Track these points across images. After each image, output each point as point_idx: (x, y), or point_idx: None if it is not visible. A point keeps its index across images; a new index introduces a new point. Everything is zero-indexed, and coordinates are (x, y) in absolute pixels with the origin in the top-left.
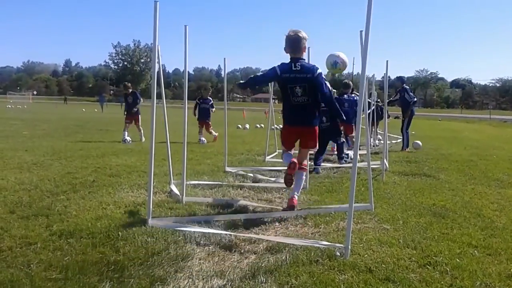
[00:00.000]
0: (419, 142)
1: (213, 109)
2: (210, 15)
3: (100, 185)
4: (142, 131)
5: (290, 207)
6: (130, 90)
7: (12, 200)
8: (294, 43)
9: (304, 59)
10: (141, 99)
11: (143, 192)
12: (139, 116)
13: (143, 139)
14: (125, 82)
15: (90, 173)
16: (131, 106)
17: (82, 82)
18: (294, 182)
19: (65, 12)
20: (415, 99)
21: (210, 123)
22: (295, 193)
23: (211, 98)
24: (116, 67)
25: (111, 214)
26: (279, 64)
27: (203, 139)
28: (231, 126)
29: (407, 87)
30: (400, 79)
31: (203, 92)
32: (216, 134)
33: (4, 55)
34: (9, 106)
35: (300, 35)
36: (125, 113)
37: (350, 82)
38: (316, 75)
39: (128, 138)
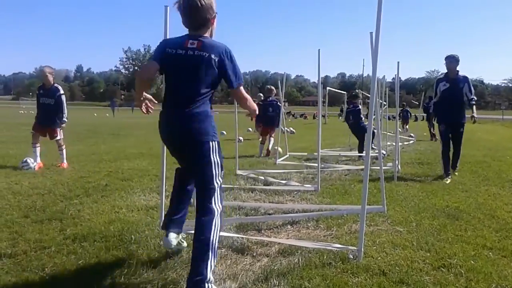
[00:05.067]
0: None
1: (64, 118)
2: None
3: (112, 189)
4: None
5: None
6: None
7: (26, 205)
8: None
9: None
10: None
11: (155, 196)
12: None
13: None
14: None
15: (102, 177)
16: None
17: (94, 87)
18: None
19: (76, 18)
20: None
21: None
22: None
23: None
24: (126, 72)
25: (124, 218)
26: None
27: None
28: (242, 129)
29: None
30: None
31: None
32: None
33: (16, 62)
34: (22, 111)
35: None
36: None
37: (272, 87)
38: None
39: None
